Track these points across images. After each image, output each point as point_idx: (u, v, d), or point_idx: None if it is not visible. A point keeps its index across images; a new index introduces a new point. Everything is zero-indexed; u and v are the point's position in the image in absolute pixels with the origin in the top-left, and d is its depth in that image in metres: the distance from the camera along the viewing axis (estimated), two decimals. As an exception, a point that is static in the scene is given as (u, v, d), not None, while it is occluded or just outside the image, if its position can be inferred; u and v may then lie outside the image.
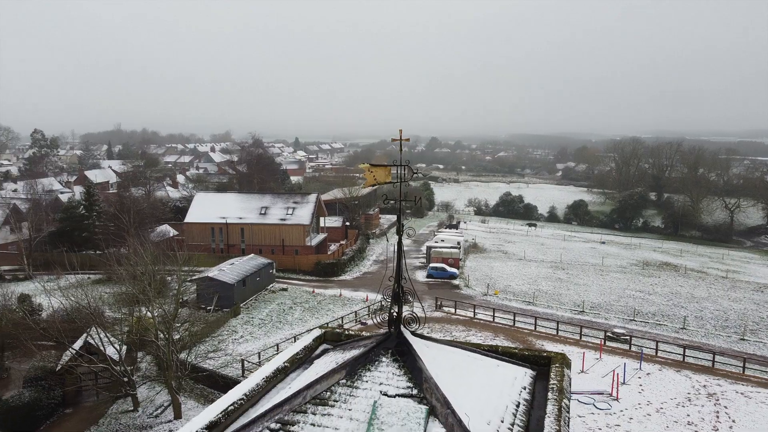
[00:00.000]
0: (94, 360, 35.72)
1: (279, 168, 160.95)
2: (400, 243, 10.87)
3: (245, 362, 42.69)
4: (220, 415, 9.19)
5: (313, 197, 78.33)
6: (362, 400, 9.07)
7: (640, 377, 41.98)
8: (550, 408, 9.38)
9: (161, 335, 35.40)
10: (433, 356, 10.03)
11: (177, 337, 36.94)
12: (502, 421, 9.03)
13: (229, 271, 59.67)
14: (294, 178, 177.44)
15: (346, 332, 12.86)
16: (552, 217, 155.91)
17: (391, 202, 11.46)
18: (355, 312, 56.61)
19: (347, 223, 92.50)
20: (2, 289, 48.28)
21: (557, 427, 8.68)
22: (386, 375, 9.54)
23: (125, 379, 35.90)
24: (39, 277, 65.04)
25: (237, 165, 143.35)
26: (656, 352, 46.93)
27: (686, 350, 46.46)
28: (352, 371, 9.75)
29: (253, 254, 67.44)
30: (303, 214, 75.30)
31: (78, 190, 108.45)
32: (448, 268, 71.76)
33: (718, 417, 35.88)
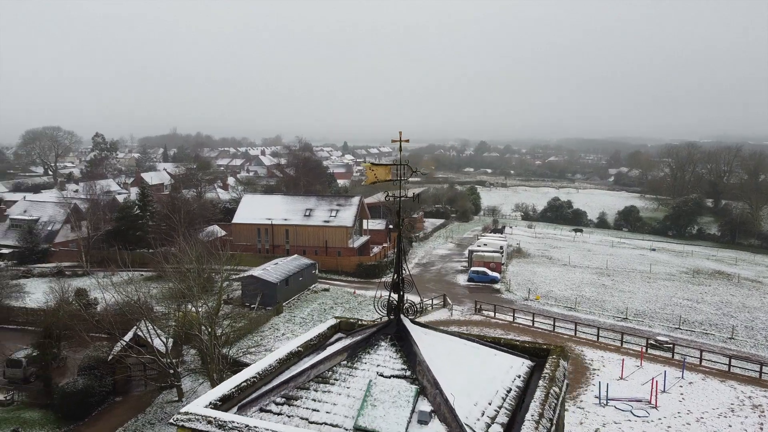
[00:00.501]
0: (143, 351, 37.67)
1: (326, 171, 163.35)
2: (399, 236, 11.56)
3: (285, 358, 43.96)
4: (234, 390, 10.11)
5: (356, 200, 79.59)
6: (360, 380, 9.81)
7: (681, 386, 41.08)
8: (539, 394, 9.87)
9: (205, 330, 37.02)
10: (429, 342, 10.68)
11: (220, 332, 38.49)
12: (490, 404, 9.60)
13: (273, 270, 61.39)
14: (341, 182, 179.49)
15: (360, 322, 13.59)
16: (602, 223, 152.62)
17: (391, 198, 12.14)
18: (394, 313, 57.33)
19: (390, 226, 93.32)
20: (62, 283, 51.31)
21: (540, 411, 9.17)
22: (383, 358, 10.28)
23: (171, 371, 37.68)
24: (95, 273, 68.40)
25: (285, 168, 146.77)
26: (700, 362, 45.73)
27: (732, 360, 45.13)
28: (353, 354, 10.54)
29: (296, 255, 69.11)
30: (346, 216, 76.65)
31: (134, 191, 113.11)
32: (490, 272, 71.60)
33: (762, 428, 34.89)
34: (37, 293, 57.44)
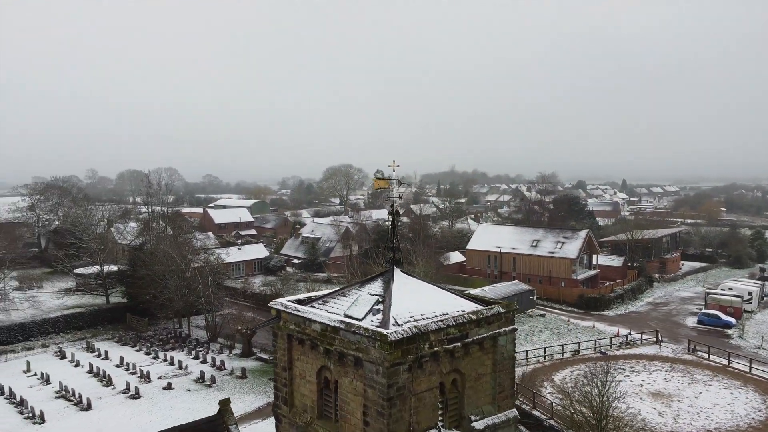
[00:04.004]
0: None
1: (584, 209, 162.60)
2: (394, 219, 18.69)
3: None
4: (306, 299, 18.54)
5: (582, 234, 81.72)
6: (357, 295, 17.38)
7: None
8: (456, 314, 16.07)
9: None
10: (406, 283, 17.42)
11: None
12: (422, 315, 16.04)
13: (490, 291, 68.26)
14: (602, 220, 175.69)
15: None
16: None
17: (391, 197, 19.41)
18: (595, 340, 59.32)
19: (629, 264, 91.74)
20: (317, 286, 66.96)
21: (444, 319, 15.52)
22: (375, 286, 17.58)
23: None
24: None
25: (546, 204, 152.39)
26: None
27: None
28: (362, 284, 18.10)
29: (516, 281, 74.83)
30: (571, 248, 79.43)
31: (403, 220, 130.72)
32: (723, 316, 67.08)
33: None
34: (305, 293, 74.32)
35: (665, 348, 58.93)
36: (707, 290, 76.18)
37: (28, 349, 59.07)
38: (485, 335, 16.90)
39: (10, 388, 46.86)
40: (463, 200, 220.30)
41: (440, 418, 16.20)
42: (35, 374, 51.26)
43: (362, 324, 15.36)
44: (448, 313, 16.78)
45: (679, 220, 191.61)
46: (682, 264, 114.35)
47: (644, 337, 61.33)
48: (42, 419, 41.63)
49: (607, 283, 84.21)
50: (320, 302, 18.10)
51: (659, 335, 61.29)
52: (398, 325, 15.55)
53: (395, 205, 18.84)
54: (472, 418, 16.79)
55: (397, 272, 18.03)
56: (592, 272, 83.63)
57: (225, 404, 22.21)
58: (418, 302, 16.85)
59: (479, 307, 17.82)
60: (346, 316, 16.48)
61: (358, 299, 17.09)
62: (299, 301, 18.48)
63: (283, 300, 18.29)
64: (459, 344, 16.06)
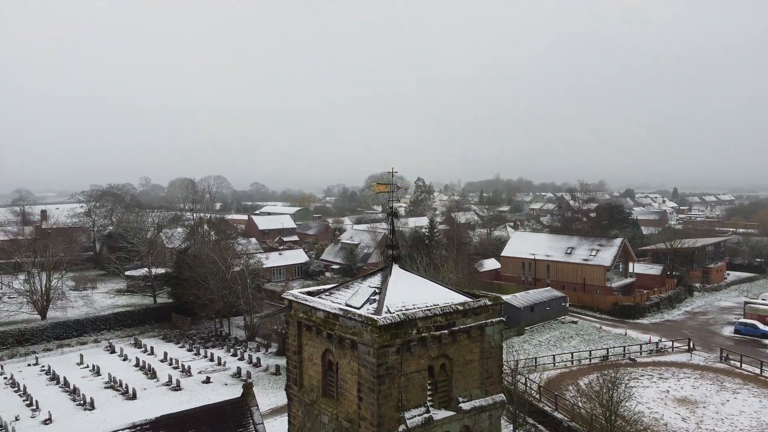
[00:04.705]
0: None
1: (628, 217, 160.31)
2: (392, 219, 20.56)
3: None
4: (315, 291, 20.70)
5: (617, 241, 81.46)
6: (358, 287, 19.41)
7: None
8: (444, 304, 17.86)
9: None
10: (402, 277, 19.28)
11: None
12: (413, 304, 17.93)
13: (522, 298, 69.21)
14: (647, 229, 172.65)
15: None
16: None
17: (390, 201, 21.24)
18: (624, 347, 59.46)
19: (668, 272, 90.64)
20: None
21: (432, 308, 17.32)
22: (374, 279, 19.55)
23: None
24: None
25: (587, 212, 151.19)
26: None
27: None
28: (363, 278, 20.11)
29: (549, 287, 75.30)
30: (605, 256, 79.33)
31: (441, 228, 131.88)
32: (761, 326, 65.98)
33: None
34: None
35: (697, 356, 58.61)
36: (746, 300, 74.87)
37: (82, 343, 63.56)
38: (472, 325, 18.62)
39: (65, 378, 50.90)
40: (505, 208, 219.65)
41: (429, 398, 18.01)
42: (87, 366, 55.34)
43: (358, 311, 17.38)
44: (437, 304, 18.62)
45: (731, 229, 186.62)
46: (728, 274, 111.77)
47: (676, 345, 61.11)
48: (92, 406, 45.23)
49: (644, 292, 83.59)
50: (326, 294, 20.23)
51: (691, 343, 60.93)
52: (390, 313, 17.49)
53: (393, 207, 20.74)
54: (460, 399, 18.51)
55: (395, 268, 19.96)
56: (628, 280, 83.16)
57: (248, 388, 24.48)
58: (411, 294, 18.74)
59: (466, 299, 19.58)
60: (347, 305, 18.52)
61: (358, 291, 19.12)
62: (309, 293, 20.64)
63: (294, 291, 20.50)
64: (446, 331, 17.85)
